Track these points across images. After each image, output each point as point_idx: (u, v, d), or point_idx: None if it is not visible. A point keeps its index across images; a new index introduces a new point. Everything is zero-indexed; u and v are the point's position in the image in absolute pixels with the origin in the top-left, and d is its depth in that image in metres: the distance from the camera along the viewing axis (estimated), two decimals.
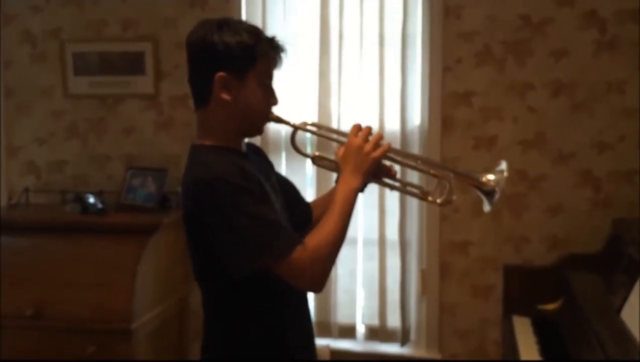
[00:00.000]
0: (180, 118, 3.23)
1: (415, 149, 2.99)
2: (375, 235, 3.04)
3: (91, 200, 3.05)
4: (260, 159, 1.74)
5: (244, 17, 3.10)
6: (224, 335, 1.59)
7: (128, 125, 3.33)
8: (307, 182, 3.13)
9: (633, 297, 2.01)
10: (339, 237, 1.49)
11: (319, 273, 1.46)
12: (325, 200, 1.76)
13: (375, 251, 3.05)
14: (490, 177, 1.62)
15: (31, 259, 2.88)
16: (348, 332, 3.15)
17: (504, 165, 1.64)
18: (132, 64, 3.28)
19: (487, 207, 1.63)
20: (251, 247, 1.43)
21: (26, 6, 3.37)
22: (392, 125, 2.96)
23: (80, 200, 3.08)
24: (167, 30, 3.22)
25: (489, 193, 1.61)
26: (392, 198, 2.99)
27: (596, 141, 2.85)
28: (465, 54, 2.94)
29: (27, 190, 3.38)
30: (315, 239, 1.47)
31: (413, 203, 3.05)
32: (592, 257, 2.62)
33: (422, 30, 2.97)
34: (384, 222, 3.02)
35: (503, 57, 2.91)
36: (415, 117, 3.02)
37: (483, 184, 1.62)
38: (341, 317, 3.12)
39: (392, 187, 1.72)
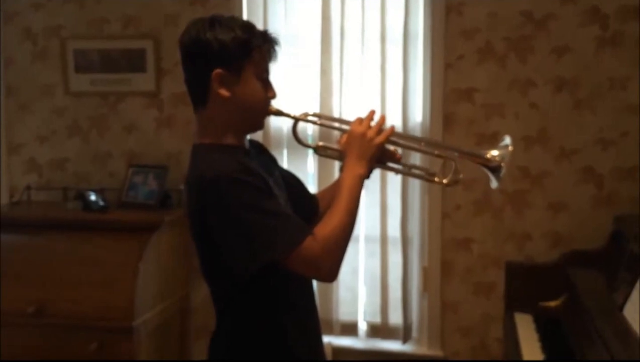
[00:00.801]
0: (182, 115, 3.23)
1: None
2: (377, 232, 3.03)
3: (92, 197, 3.05)
4: (263, 155, 1.73)
5: (245, 14, 3.09)
6: (230, 334, 1.59)
7: (129, 123, 3.33)
8: (309, 178, 3.13)
9: (635, 294, 2.00)
10: (348, 225, 1.48)
11: (331, 262, 1.46)
12: (332, 190, 1.75)
13: (377, 248, 3.05)
14: (495, 152, 1.61)
15: (33, 256, 2.88)
16: (350, 329, 3.15)
17: (508, 140, 1.63)
18: (133, 62, 3.27)
19: (494, 184, 1.62)
20: (260, 242, 1.42)
21: (27, 3, 3.37)
22: (394, 122, 2.94)
23: (82, 197, 3.08)
24: (168, 27, 3.22)
25: (495, 169, 1.60)
26: (394, 195, 2.99)
27: (598, 138, 2.84)
28: (467, 51, 2.94)
29: (28, 188, 3.38)
30: (325, 228, 1.46)
31: (415, 200, 3.04)
32: (595, 254, 2.62)
33: (424, 27, 2.97)
34: (385, 219, 3.01)
35: (505, 53, 2.90)
36: (417, 114, 3.02)
37: (488, 160, 1.60)
38: (343, 314, 3.12)
39: (397, 171, 1.71)
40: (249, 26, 1.54)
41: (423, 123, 3.01)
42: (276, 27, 3.00)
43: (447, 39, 2.94)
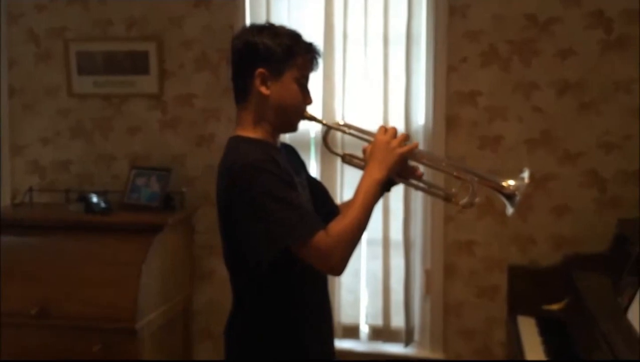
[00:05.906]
0: (185, 117, 3.23)
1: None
2: (379, 235, 3.03)
3: (94, 199, 3.05)
4: (293, 157, 1.82)
5: (247, 16, 3.08)
6: (245, 327, 1.66)
7: (133, 125, 3.33)
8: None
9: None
10: (360, 225, 1.56)
11: (340, 256, 1.53)
12: None
13: (379, 250, 3.04)
14: (511, 182, 1.69)
15: (36, 258, 2.88)
16: (352, 332, 3.14)
17: (526, 173, 1.71)
18: (137, 64, 3.28)
19: (509, 210, 1.69)
20: (277, 229, 1.51)
21: (30, 5, 3.37)
22: (397, 125, 2.92)
23: (84, 199, 3.08)
24: (172, 29, 3.21)
25: (509, 196, 1.68)
26: (397, 198, 2.99)
27: (602, 141, 2.84)
28: (471, 54, 2.94)
29: (31, 189, 3.37)
30: (337, 225, 1.54)
31: (417, 203, 3.04)
32: (598, 257, 2.61)
33: (427, 30, 2.97)
34: (388, 222, 3.01)
35: (508, 56, 2.90)
36: (420, 117, 3.01)
37: (502, 187, 1.69)
38: (345, 317, 3.12)
39: (416, 188, 1.80)
40: (294, 35, 1.67)
41: (426, 126, 3.01)
42: None
43: (451, 42, 2.94)
